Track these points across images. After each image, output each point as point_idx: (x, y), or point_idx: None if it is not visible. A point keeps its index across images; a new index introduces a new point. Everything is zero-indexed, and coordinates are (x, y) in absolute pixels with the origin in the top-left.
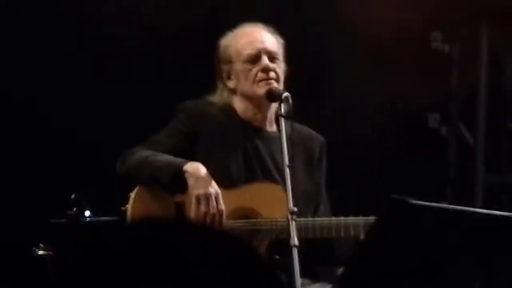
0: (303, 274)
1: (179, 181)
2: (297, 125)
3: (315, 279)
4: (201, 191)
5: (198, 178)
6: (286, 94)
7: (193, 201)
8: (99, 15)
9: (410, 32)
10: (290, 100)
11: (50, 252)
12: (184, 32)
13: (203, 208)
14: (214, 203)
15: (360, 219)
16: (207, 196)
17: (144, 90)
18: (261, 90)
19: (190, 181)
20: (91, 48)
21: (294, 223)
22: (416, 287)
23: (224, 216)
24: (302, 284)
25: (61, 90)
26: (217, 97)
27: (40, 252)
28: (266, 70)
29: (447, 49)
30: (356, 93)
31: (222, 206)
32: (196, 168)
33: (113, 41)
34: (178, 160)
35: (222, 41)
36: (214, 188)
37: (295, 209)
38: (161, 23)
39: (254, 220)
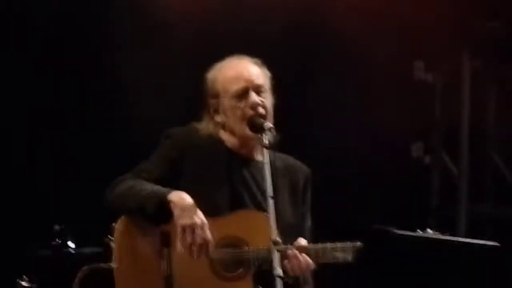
0: None
1: (164, 211)
2: (282, 156)
3: None
4: (187, 222)
5: (183, 208)
6: (268, 125)
7: (179, 231)
8: None
9: (393, 62)
10: (273, 131)
11: (35, 284)
12: None
13: (189, 238)
14: (200, 233)
15: (348, 244)
16: (193, 226)
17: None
18: (248, 128)
19: (176, 211)
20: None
21: (276, 253)
22: None
23: (210, 245)
24: None
25: (44, 116)
26: (203, 127)
27: (24, 284)
28: (254, 106)
29: (430, 79)
30: (340, 123)
31: (209, 235)
32: (181, 198)
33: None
34: (163, 189)
35: (208, 74)
36: (199, 217)
37: (278, 239)
38: None
39: (240, 250)
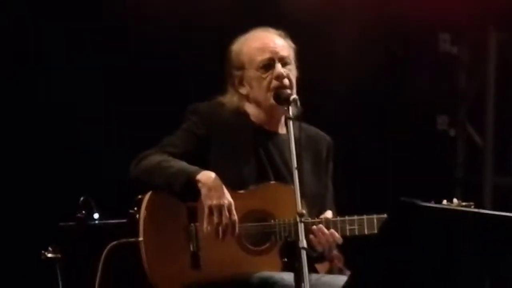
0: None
1: (191, 189)
2: (305, 126)
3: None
4: (214, 202)
5: (211, 188)
6: (294, 96)
7: (206, 211)
8: None
9: (419, 34)
10: (298, 103)
11: (59, 255)
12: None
13: (216, 219)
14: (227, 213)
15: (374, 217)
16: (220, 207)
17: (153, 95)
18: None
19: (203, 191)
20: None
21: (302, 225)
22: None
23: (236, 226)
24: (310, 279)
25: (69, 94)
26: (228, 100)
27: (49, 255)
28: (280, 77)
29: (455, 51)
30: (366, 96)
31: (235, 216)
32: (209, 178)
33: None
34: (192, 168)
35: (233, 46)
36: (227, 198)
37: (304, 211)
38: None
39: (266, 224)
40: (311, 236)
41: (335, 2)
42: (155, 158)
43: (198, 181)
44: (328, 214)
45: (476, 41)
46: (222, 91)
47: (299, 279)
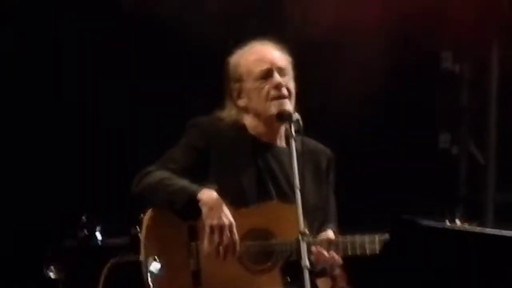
0: None
1: (192, 208)
2: (305, 139)
3: None
4: (214, 222)
5: (212, 207)
6: (296, 116)
7: (207, 230)
8: None
9: (421, 52)
10: (301, 122)
11: (62, 275)
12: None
13: (217, 238)
14: (228, 233)
15: (376, 237)
16: (221, 227)
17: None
18: (274, 109)
19: (204, 210)
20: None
21: (305, 244)
22: None
23: (237, 246)
24: None
25: (72, 110)
26: (226, 114)
27: (52, 275)
28: (278, 87)
29: (457, 69)
30: (368, 114)
31: (236, 236)
32: (210, 197)
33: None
34: (193, 186)
35: (231, 59)
36: (228, 218)
37: (306, 231)
38: None
39: (268, 243)
40: (311, 256)
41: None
42: (157, 175)
43: (199, 200)
44: (330, 234)
45: (478, 59)
46: (221, 106)
47: None
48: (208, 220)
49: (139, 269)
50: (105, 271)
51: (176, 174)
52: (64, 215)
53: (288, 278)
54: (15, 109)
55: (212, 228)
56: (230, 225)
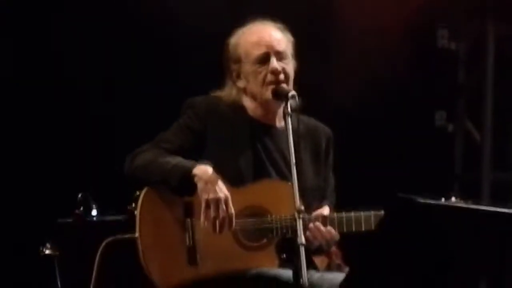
0: (308, 269)
1: (187, 184)
2: (304, 118)
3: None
4: (210, 196)
5: (207, 181)
6: (292, 92)
7: (203, 205)
8: None
9: (417, 30)
10: (297, 98)
11: (57, 252)
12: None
13: (213, 212)
14: (224, 207)
15: (371, 213)
16: (217, 201)
17: (153, 89)
18: (269, 93)
19: (200, 185)
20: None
21: (301, 222)
22: (423, 283)
23: (233, 219)
24: (311, 276)
25: (70, 88)
26: (226, 94)
27: (47, 252)
28: (275, 72)
29: (453, 47)
30: (363, 91)
31: (232, 210)
32: (205, 171)
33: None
34: (187, 162)
35: (231, 39)
36: (223, 192)
37: (302, 207)
38: None
39: (263, 219)
40: (307, 232)
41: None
42: (150, 154)
43: (194, 175)
44: (325, 210)
45: (474, 36)
46: (221, 84)
47: (297, 275)
48: (204, 194)
49: (134, 246)
50: (100, 249)
51: (172, 154)
52: (60, 194)
53: (284, 255)
54: (10, 92)
55: (207, 202)
56: (226, 199)
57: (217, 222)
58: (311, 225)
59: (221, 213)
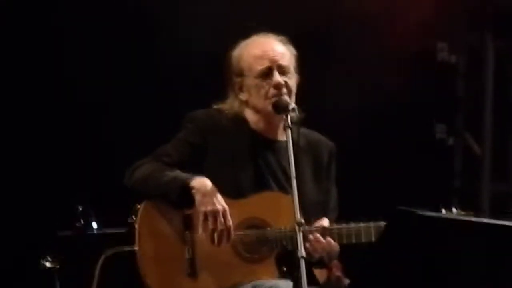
0: (309, 283)
1: (186, 197)
2: (306, 131)
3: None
4: (208, 208)
5: (205, 194)
6: (292, 105)
7: (200, 217)
8: None
9: (417, 43)
10: (297, 111)
11: (57, 265)
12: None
13: (211, 224)
14: (222, 219)
15: (371, 225)
16: (215, 213)
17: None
18: (271, 107)
19: (197, 197)
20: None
21: (301, 234)
22: None
23: (232, 231)
24: None
25: (70, 102)
26: (228, 106)
27: (47, 265)
28: (277, 87)
29: (453, 60)
30: (363, 103)
31: (230, 222)
32: (203, 184)
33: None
34: (185, 175)
35: (234, 52)
36: (221, 204)
37: (302, 220)
38: None
39: (262, 231)
40: (307, 244)
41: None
42: (149, 167)
43: (192, 187)
44: (325, 222)
45: (473, 49)
46: (223, 97)
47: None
48: (202, 207)
49: (134, 259)
50: (100, 262)
51: (169, 167)
52: (61, 206)
53: (284, 268)
54: (8, 97)
55: (205, 215)
56: (224, 211)
57: (215, 234)
58: (310, 236)
59: (219, 226)
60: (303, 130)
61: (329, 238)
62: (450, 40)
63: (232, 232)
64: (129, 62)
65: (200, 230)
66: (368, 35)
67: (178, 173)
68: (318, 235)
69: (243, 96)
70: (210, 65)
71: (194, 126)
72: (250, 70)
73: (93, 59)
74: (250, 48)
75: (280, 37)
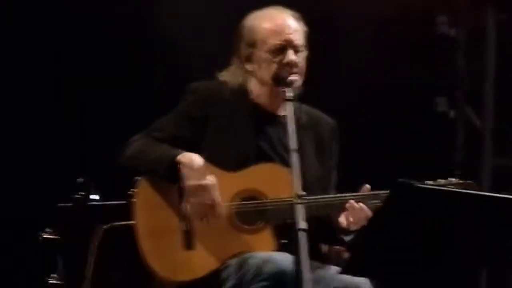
0: (310, 257)
1: (175, 172)
2: (307, 108)
3: (322, 261)
4: (194, 182)
5: (191, 168)
6: (291, 78)
7: (187, 192)
8: None
9: (416, 16)
10: (297, 84)
11: (57, 236)
12: None
13: (195, 199)
14: (207, 194)
15: (365, 194)
16: (201, 188)
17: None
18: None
19: (184, 172)
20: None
21: (300, 207)
22: (421, 269)
23: (218, 207)
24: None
25: (70, 74)
26: (231, 75)
27: (47, 236)
28: (289, 64)
29: (453, 33)
30: (364, 77)
31: (217, 197)
32: (190, 159)
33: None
34: (173, 150)
35: (246, 21)
36: (208, 179)
37: (302, 193)
38: None
39: (260, 201)
40: (344, 215)
41: None
42: (139, 144)
43: (178, 162)
44: (365, 188)
45: (474, 23)
46: (225, 65)
47: (298, 262)
48: (188, 181)
49: (132, 232)
50: (98, 236)
51: (163, 143)
52: (61, 178)
53: (285, 241)
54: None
55: (191, 189)
56: (211, 186)
57: (201, 209)
58: (348, 204)
59: (206, 200)
60: (305, 107)
61: (361, 204)
62: (450, 13)
63: (221, 208)
64: (123, 37)
65: (185, 203)
66: (367, 9)
67: (166, 149)
68: (353, 202)
69: (250, 67)
70: (210, 65)
71: (194, 98)
72: (262, 44)
73: (88, 46)
74: (264, 21)
75: (293, 13)
